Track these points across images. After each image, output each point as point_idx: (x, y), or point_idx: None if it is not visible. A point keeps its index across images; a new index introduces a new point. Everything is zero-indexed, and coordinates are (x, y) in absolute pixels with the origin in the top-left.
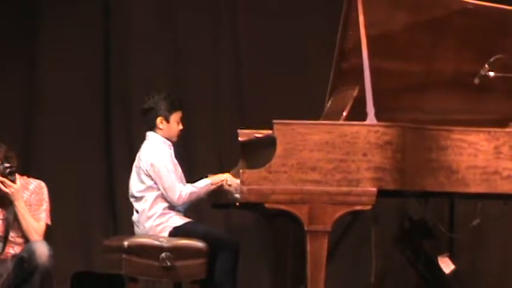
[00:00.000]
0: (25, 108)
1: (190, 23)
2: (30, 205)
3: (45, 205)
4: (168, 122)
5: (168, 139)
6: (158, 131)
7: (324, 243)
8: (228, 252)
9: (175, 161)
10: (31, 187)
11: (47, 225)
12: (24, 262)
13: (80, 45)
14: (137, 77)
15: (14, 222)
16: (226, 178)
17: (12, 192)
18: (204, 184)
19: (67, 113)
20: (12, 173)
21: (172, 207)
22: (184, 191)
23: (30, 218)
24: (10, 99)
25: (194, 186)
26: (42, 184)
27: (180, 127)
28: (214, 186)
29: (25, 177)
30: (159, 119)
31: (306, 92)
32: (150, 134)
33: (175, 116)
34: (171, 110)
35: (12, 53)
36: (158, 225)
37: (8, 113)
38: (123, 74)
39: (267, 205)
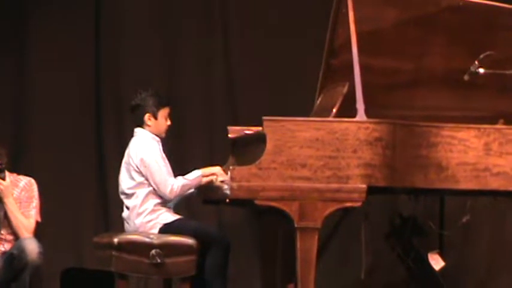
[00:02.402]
0: (15, 105)
1: (181, 21)
2: (20, 202)
3: (35, 202)
4: (156, 118)
5: (157, 135)
6: (146, 127)
7: (314, 240)
8: (218, 248)
9: (164, 156)
10: (21, 184)
11: (37, 222)
12: (14, 259)
13: (71, 43)
14: (128, 75)
15: (4, 220)
16: (217, 171)
17: (1, 190)
18: (195, 176)
19: (57, 110)
20: (1, 170)
21: (163, 203)
22: (176, 184)
23: (20, 215)
24: (0, 96)
25: (185, 179)
26: (32, 181)
27: (168, 123)
28: (206, 179)
29: (15, 174)
30: (147, 116)
31: (296, 88)
32: (138, 130)
33: (163, 112)
34: (159, 106)
35: (2, 51)
36: (148, 221)
37: None
38: (113, 72)
39: (257, 202)
